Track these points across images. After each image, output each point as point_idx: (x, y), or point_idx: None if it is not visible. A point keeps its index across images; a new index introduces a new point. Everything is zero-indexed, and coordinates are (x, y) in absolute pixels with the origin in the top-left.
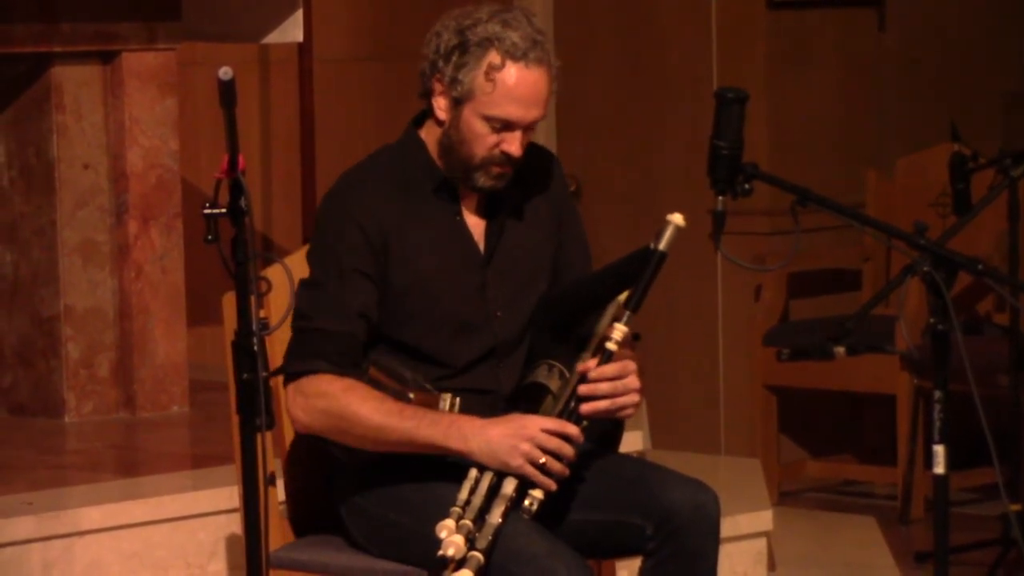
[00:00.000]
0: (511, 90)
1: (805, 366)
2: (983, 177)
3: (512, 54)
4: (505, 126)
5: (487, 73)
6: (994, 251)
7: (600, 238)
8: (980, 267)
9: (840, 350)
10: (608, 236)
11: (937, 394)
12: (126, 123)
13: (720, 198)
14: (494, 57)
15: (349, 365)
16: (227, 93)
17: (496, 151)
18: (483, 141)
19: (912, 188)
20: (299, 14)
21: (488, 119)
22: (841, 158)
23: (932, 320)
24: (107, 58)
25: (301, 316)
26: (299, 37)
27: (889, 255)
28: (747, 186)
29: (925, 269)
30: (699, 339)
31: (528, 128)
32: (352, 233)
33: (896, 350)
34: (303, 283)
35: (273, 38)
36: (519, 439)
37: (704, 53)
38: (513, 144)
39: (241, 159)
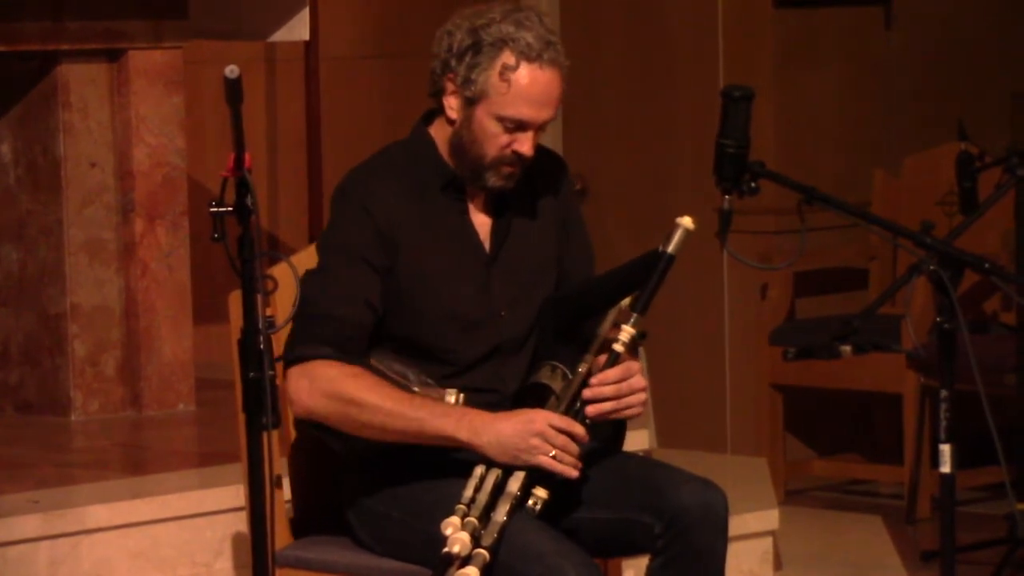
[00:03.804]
0: (525, 90)
1: (811, 365)
2: (990, 176)
3: (527, 55)
4: (518, 126)
5: (501, 73)
6: (1001, 250)
7: (607, 237)
8: (987, 265)
9: (846, 349)
10: (615, 235)
11: (944, 393)
12: (132, 121)
13: (726, 197)
14: (508, 58)
15: (355, 352)
16: (233, 91)
17: (507, 151)
18: (495, 141)
19: (919, 187)
20: (305, 12)
21: (501, 119)
22: (848, 157)
23: (939, 319)
24: (114, 56)
25: (306, 302)
26: (305, 35)
27: (896, 254)
28: (753, 185)
29: (932, 268)
30: (705, 338)
31: (540, 128)
32: (363, 224)
33: (903, 349)
34: (308, 272)
35: (280, 36)
36: (528, 435)
37: (711, 51)
38: (525, 144)
39: (247, 157)
